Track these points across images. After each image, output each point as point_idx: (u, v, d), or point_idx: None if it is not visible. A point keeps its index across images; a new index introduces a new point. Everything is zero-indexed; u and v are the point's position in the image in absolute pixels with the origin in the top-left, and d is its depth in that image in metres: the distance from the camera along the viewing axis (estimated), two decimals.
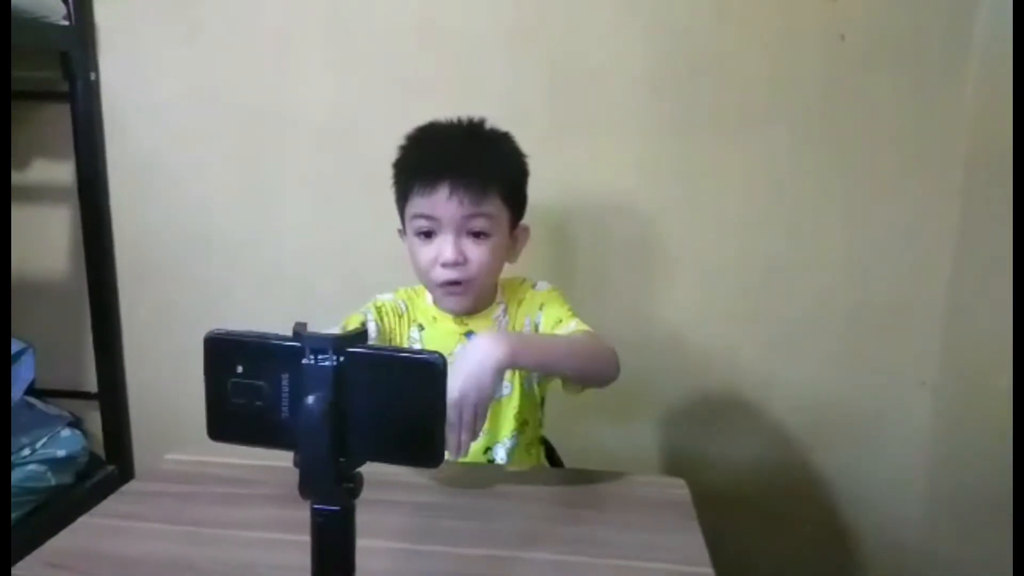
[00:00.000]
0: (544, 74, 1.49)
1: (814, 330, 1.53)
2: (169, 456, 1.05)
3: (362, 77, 1.54)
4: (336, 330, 0.61)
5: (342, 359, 0.54)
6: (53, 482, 1.57)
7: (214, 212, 1.63)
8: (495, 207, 1.06)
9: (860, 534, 1.61)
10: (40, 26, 1.47)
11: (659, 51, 1.46)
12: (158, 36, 1.58)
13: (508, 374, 1.10)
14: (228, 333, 0.57)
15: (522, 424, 1.14)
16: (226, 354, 0.56)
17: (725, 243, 1.52)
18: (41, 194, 1.70)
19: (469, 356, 0.90)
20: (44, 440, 1.57)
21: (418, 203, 1.05)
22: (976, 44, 1.39)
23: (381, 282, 1.18)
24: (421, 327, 1.15)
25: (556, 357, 1.01)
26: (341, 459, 0.55)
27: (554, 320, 1.11)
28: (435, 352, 0.54)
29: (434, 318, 1.15)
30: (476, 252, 1.05)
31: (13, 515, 1.46)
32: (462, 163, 1.04)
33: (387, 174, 1.10)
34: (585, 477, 1.02)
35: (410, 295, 1.17)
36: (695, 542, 0.84)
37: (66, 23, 1.52)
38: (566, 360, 1.02)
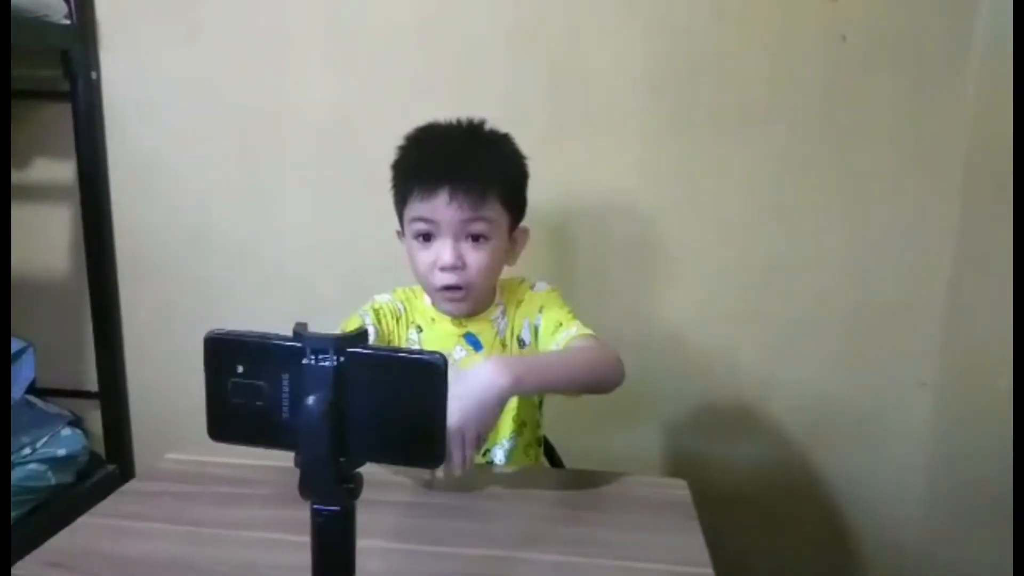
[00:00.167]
0: (544, 74, 1.49)
1: (814, 330, 1.53)
2: (169, 456, 1.05)
3: (362, 77, 1.54)
4: None
5: (343, 359, 0.54)
6: (53, 481, 1.56)
7: (214, 212, 1.64)
8: (494, 211, 1.05)
9: (860, 534, 1.61)
10: (41, 25, 1.47)
11: (659, 51, 1.46)
12: (159, 35, 1.58)
13: None
14: (228, 333, 0.57)
15: (520, 426, 1.13)
16: (226, 354, 0.56)
17: (725, 243, 1.52)
18: (42, 193, 1.70)
19: (471, 383, 0.88)
20: (44, 439, 1.57)
21: (417, 207, 1.04)
22: (976, 44, 1.39)
23: (381, 282, 1.18)
24: (419, 329, 1.14)
25: (559, 377, 1.00)
26: (341, 459, 0.54)
27: (554, 324, 1.09)
28: (436, 352, 0.54)
29: (432, 319, 1.14)
30: (475, 256, 1.05)
31: (13, 514, 1.46)
32: (461, 166, 1.03)
33: (387, 174, 1.10)
34: (585, 477, 1.02)
35: (408, 295, 1.17)
36: (695, 542, 0.84)
37: (67, 22, 1.53)
38: (570, 379, 1.00)
